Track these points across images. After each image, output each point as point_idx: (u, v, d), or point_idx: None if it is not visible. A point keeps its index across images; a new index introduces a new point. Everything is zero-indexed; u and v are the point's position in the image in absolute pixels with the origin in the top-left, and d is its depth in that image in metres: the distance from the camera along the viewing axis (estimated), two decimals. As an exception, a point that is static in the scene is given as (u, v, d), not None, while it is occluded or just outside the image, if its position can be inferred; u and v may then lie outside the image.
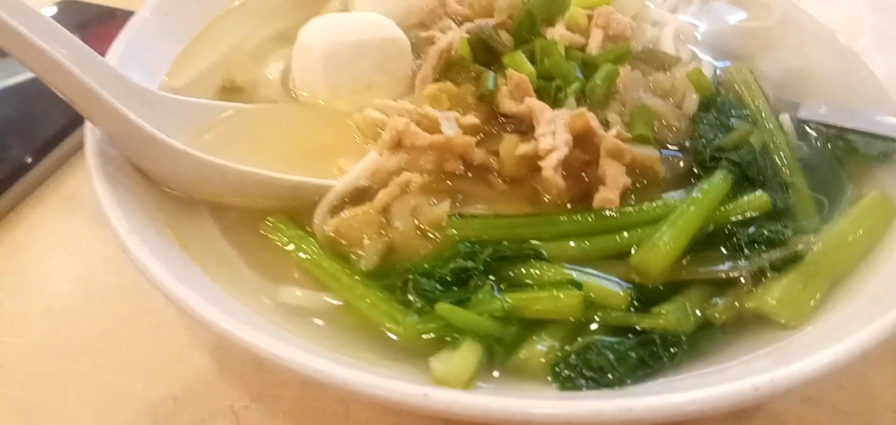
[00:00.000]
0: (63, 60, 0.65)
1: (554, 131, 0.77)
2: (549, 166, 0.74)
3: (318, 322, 0.69)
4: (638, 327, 0.68)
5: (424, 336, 0.67)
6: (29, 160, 1.01)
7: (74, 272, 0.90)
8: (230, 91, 0.93)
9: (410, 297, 0.70)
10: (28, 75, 1.10)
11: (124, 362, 0.80)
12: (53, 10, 1.31)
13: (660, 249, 0.70)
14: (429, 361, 0.63)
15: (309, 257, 0.74)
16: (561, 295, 0.68)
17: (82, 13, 1.30)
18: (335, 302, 0.71)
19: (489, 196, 0.80)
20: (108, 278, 0.88)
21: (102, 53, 0.74)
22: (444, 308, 0.66)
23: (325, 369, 0.57)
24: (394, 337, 0.68)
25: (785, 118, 0.88)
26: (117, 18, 1.28)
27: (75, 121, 1.05)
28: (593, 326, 0.68)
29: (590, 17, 0.95)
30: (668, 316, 0.67)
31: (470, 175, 0.81)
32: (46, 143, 1.04)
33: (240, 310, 0.66)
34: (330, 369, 0.57)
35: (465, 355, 0.63)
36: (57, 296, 0.88)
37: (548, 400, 0.60)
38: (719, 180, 0.77)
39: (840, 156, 0.86)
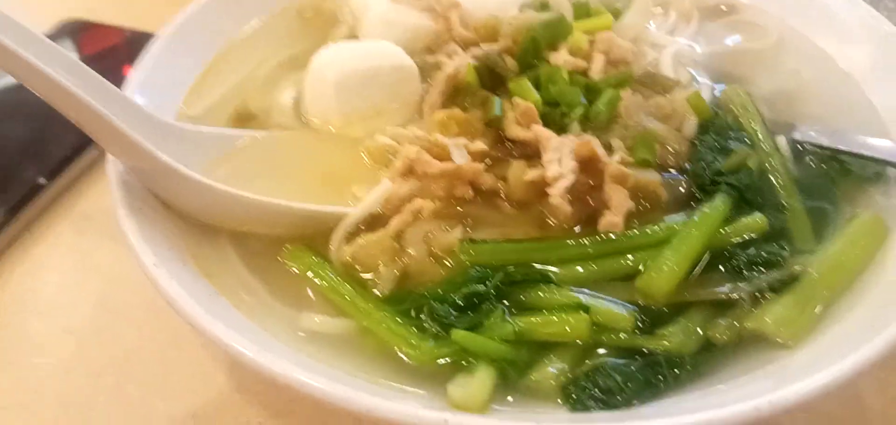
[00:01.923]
0: (88, 99, 0.67)
1: (560, 158, 0.80)
2: (556, 193, 0.77)
3: (337, 346, 0.72)
4: (644, 348, 0.71)
5: (440, 360, 0.70)
6: (42, 180, 1.03)
7: (94, 290, 0.93)
8: (244, 118, 0.95)
9: (425, 322, 0.73)
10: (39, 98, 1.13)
11: (146, 379, 0.83)
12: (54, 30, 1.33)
13: (664, 273, 0.73)
14: (446, 387, 0.66)
15: (326, 283, 0.76)
16: (569, 318, 0.71)
17: (85, 32, 1.33)
18: (353, 327, 0.74)
19: (498, 220, 0.83)
20: (127, 295, 0.91)
21: (114, 72, 0.76)
22: (459, 334, 0.69)
23: (347, 395, 0.60)
24: (409, 361, 0.70)
25: (781, 140, 0.91)
26: (123, 34, 1.31)
27: (87, 141, 1.07)
28: (601, 348, 0.71)
29: (592, 42, 0.98)
30: (672, 337, 0.71)
31: (479, 199, 0.83)
32: (59, 163, 1.06)
33: (264, 338, 0.69)
34: (351, 395, 0.60)
35: (481, 380, 0.66)
36: (79, 314, 0.90)
37: (561, 423, 0.63)
38: (719, 204, 0.80)
39: (835, 177, 0.89)
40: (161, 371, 0.84)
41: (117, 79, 0.79)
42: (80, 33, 1.32)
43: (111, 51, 1.29)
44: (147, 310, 0.89)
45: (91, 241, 1.00)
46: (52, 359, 0.86)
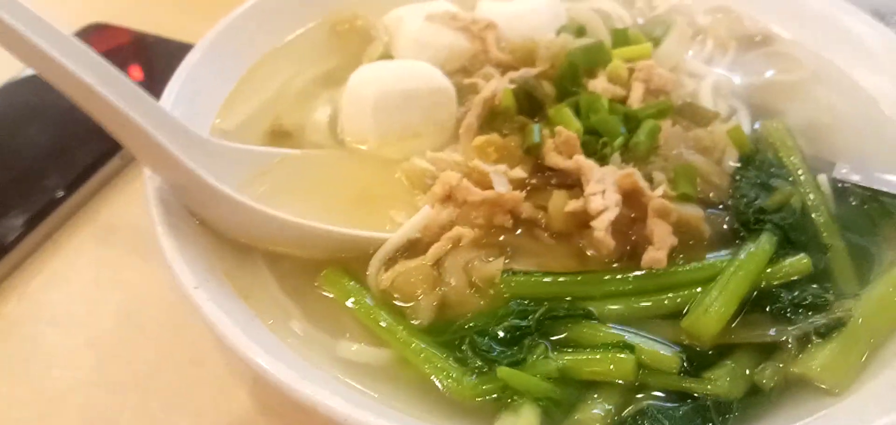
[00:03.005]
0: (127, 111, 0.66)
1: (604, 191, 0.78)
2: (600, 227, 0.76)
3: (375, 376, 0.70)
4: (691, 392, 0.69)
5: (480, 398, 0.68)
6: (64, 190, 1.01)
7: (117, 304, 0.91)
8: (279, 135, 0.94)
9: (466, 354, 0.71)
10: (64, 104, 1.12)
11: (170, 396, 0.82)
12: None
13: (711, 314, 0.72)
14: (493, 425, 0.65)
15: (364, 310, 0.75)
16: (614, 357, 0.69)
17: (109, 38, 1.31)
18: (391, 357, 0.72)
19: (536, 250, 0.81)
20: (150, 310, 0.90)
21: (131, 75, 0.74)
22: (505, 371, 0.68)
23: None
24: (450, 394, 0.68)
25: (823, 178, 0.89)
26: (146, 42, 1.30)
27: (111, 150, 1.06)
28: (645, 390, 0.70)
29: (630, 70, 0.96)
30: (718, 381, 0.69)
31: (518, 229, 0.82)
32: (83, 172, 1.04)
33: (301, 365, 0.67)
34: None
35: (528, 420, 0.65)
36: (101, 328, 0.88)
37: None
38: (765, 244, 0.78)
39: (875, 217, 0.87)
40: (184, 388, 0.82)
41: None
42: (96, 36, 1.31)
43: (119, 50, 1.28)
44: (170, 325, 0.87)
45: (114, 253, 0.98)
46: (73, 373, 0.84)
